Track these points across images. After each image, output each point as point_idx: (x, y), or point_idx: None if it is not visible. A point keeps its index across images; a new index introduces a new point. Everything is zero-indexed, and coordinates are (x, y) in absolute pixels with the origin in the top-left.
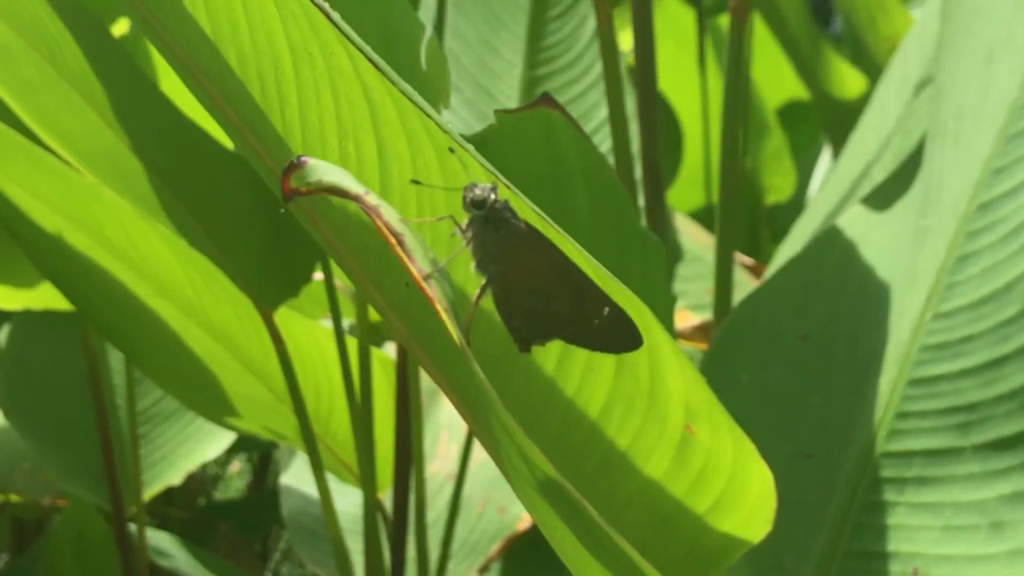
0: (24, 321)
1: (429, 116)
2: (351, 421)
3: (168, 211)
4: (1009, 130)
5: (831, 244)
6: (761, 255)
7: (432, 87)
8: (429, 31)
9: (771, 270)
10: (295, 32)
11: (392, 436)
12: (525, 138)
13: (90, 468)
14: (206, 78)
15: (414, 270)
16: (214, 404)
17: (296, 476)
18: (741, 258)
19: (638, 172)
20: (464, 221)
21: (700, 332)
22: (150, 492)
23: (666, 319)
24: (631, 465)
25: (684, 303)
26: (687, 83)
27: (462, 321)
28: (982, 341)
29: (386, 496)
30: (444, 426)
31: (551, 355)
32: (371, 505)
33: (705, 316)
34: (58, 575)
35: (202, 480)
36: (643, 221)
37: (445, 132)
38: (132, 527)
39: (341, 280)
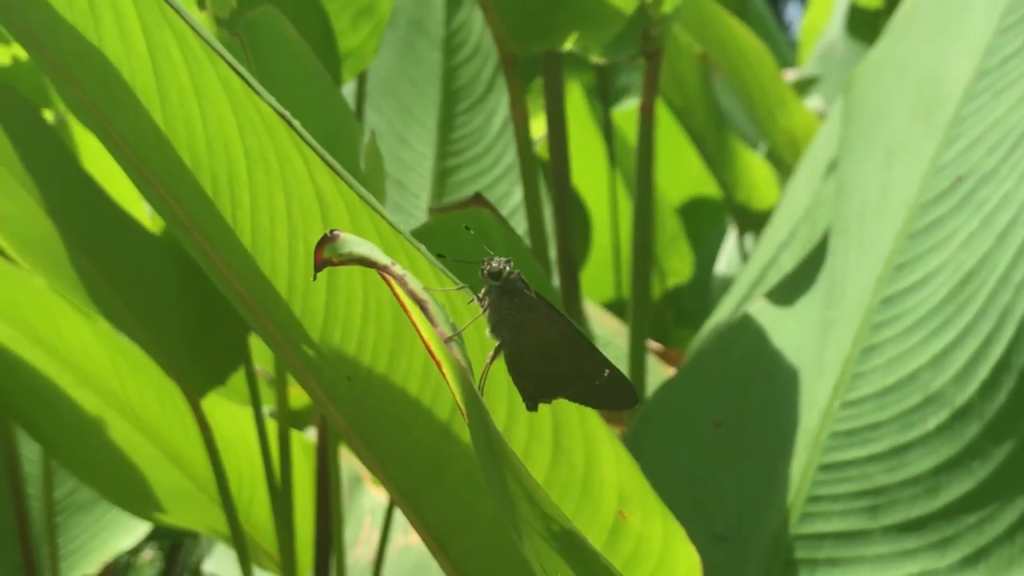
0: None
1: (380, 214)
2: (272, 507)
3: (97, 298)
4: (910, 228)
5: (740, 334)
6: (667, 338)
7: (371, 186)
8: (368, 134)
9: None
10: (251, 137)
11: (313, 522)
12: (457, 236)
13: (7, 560)
14: (156, 179)
15: (436, 333)
16: (135, 496)
17: (217, 564)
18: (651, 344)
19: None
20: (481, 291)
21: (614, 417)
22: None
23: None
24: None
25: None
26: (594, 172)
27: (475, 381)
28: (887, 428)
29: None
30: (367, 511)
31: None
32: None
33: None
34: None
35: (114, 569)
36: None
37: (395, 230)
38: None
39: (261, 365)
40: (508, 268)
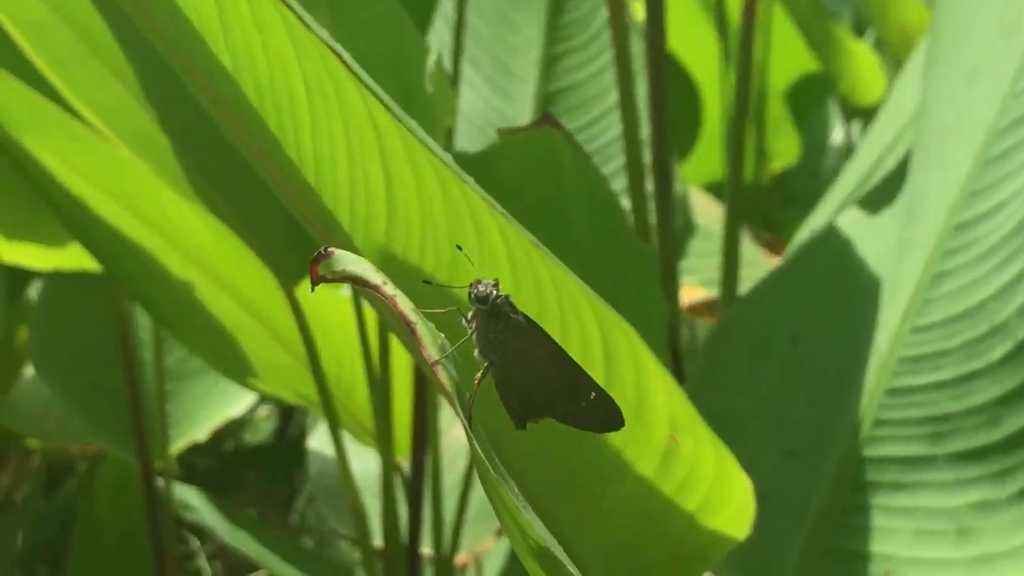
0: (55, 279)
1: (432, 151)
2: (370, 388)
3: (196, 188)
4: (986, 154)
5: (825, 247)
6: (774, 222)
7: (437, 110)
8: (435, 55)
9: (800, 231)
10: (309, 68)
11: (410, 404)
12: (527, 158)
13: (118, 423)
14: (227, 108)
15: (423, 356)
16: (240, 368)
17: (321, 438)
18: (758, 234)
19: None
20: (469, 313)
21: (708, 308)
22: (176, 447)
23: (658, 331)
24: (619, 471)
25: (696, 279)
26: (704, 51)
27: (466, 399)
28: (954, 356)
29: (406, 461)
30: None
31: None
32: (389, 468)
33: (715, 291)
34: (97, 525)
35: (230, 424)
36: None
37: (447, 167)
38: (159, 482)
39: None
40: (495, 292)
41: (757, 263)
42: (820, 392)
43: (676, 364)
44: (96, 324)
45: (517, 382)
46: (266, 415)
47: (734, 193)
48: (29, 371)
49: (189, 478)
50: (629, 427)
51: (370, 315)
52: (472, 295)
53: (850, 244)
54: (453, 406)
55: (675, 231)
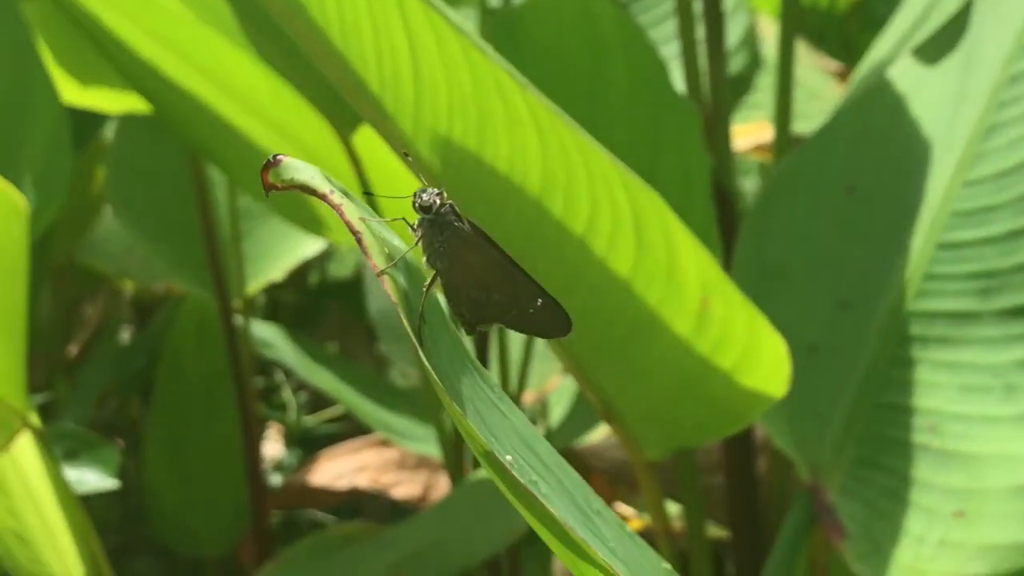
0: (129, 122)
1: (451, 21)
2: None
3: (255, 46)
4: None
5: (881, 97)
6: (853, 48)
7: None
8: None
9: (857, 73)
10: None
11: None
12: (561, 11)
13: (195, 262)
14: None
15: (371, 266)
16: (307, 217)
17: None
18: (827, 63)
19: None
20: (415, 221)
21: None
22: (253, 286)
23: (700, 184)
24: (656, 330)
25: (764, 114)
26: None
27: (415, 308)
28: (1004, 211)
29: None
30: None
31: (575, 233)
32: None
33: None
34: (180, 361)
35: (314, 257)
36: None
37: (467, 36)
38: (238, 319)
39: None
40: (439, 200)
41: (824, 95)
42: (873, 244)
43: (728, 212)
44: (169, 164)
45: (465, 290)
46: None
47: (789, 17)
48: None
49: (273, 314)
50: (662, 288)
51: None
52: (416, 204)
53: (907, 93)
54: (401, 315)
55: (726, 73)
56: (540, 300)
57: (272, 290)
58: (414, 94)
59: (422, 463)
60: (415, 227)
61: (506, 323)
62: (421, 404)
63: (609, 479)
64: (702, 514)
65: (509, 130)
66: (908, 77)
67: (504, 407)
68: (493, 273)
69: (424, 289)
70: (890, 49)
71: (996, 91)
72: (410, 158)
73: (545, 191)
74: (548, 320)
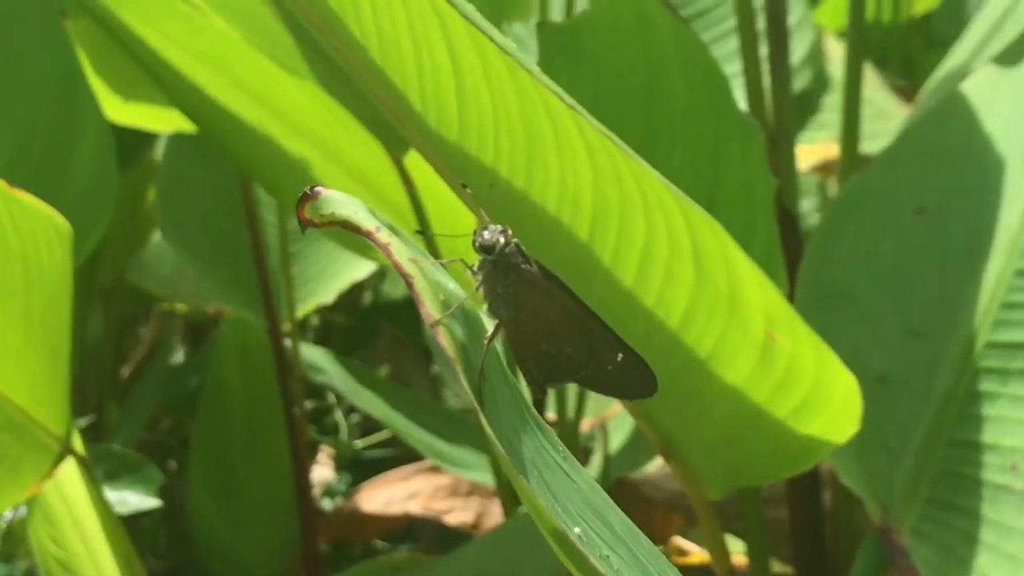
0: (178, 141)
1: (495, 40)
2: None
3: (311, 67)
4: None
5: (953, 112)
6: (915, 69)
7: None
8: None
9: (925, 90)
10: None
11: None
12: (618, 24)
13: (245, 284)
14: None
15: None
16: (359, 238)
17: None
18: (892, 82)
19: None
20: (475, 263)
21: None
22: (303, 309)
23: (763, 204)
24: (716, 365)
25: (830, 134)
26: None
27: (475, 367)
28: None
29: None
30: None
31: (631, 263)
32: None
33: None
34: (223, 384)
35: (368, 276)
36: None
37: (511, 56)
38: (288, 343)
39: None
40: (503, 239)
41: (890, 115)
42: (945, 269)
43: (792, 233)
44: (219, 184)
45: (533, 341)
46: None
47: (856, 37)
48: None
49: (325, 336)
50: (723, 321)
51: None
52: (476, 243)
53: (980, 107)
54: (458, 373)
55: (790, 91)
56: (620, 355)
57: (324, 312)
58: (458, 111)
59: (475, 489)
60: (475, 269)
61: (580, 381)
62: (473, 430)
63: (667, 511)
64: (766, 550)
65: (559, 153)
66: (982, 91)
67: (569, 468)
68: (565, 323)
69: (485, 342)
70: (961, 64)
71: None
72: (468, 190)
73: (598, 217)
74: (630, 378)
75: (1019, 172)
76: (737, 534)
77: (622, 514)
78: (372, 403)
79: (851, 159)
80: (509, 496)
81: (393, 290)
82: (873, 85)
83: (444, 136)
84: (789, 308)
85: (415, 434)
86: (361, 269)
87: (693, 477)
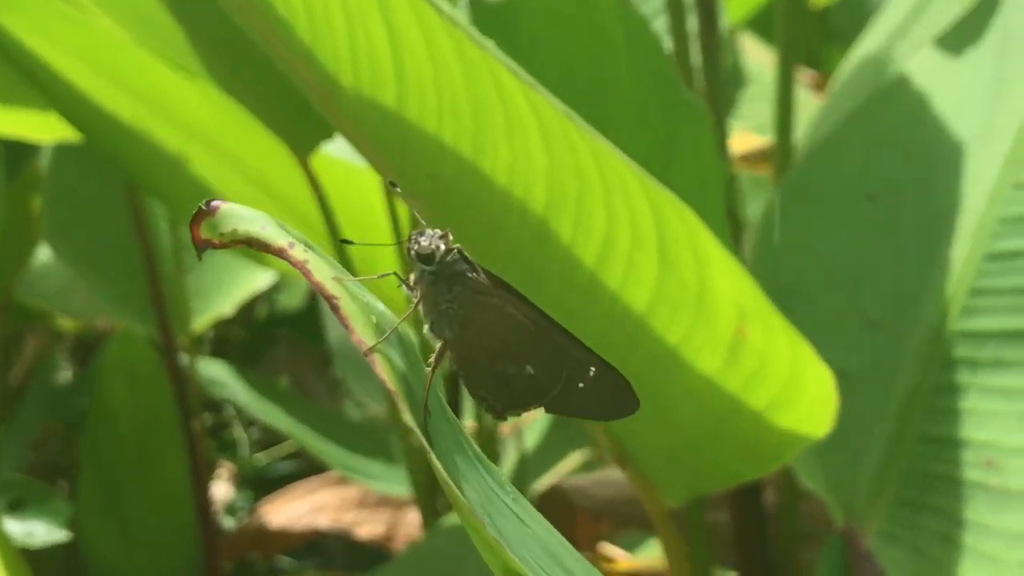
0: (63, 149)
1: (440, 10)
2: (400, 259)
3: (205, 65)
4: None
5: (897, 95)
6: (816, 59)
7: None
8: None
9: (834, 81)
10: None
11: None
12: (559, 2)
13: (138, 298)
14: None
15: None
16: None
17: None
18: (802, 74)
19: None
20: (412, 276)
21: (762, 156)
22: (201, 322)
23: (716, 196)
24: (681, 364)
25: (746, 125)
26: None
27: (418, 400)
28: None
29: None
30: None
31: (589, 254)
32: (424, 340)
33: (768, 138)
34: (110, 402)
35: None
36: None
37: (461, 28)
38: (184, 358)
39: None
40: (443, 245)
41: (804, 104)
42: (902, 256)
43: (735, 231)
44: (108, 194)
45: (485, 364)
46: (301, 279)
47: (787, 25)
48: None
49: (220, 349)
50: (690, 316)
51: None
52: (412, 252)
53: (927, 89)
54: (401, 409)
55: (723, 74)
56: (593, 369)
57: (218, 325)
58: (397, 95)
59: (384, 501)
60: (412, 283)
61: (548, 406)
62: (381, 439)
63: (594, 516)
64: (709, 556)
65: (509, 136)
66: (928, 71)
67: (520, 510)
68: (524, 338)
69: (430, 368)
70: (878, 50)
71: None
72: (398, 188)
73: (552, 206)
74: (606, 397)
75: (980, 153)
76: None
77: (578, 555)
78: (276, 416)
79: (786, 150)
80: (429, 510)
81: (289, 300)
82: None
83: (381, 123)
84: (763, 298)
85: (321, 446)
86: (261, 279)
87: (651, 484)
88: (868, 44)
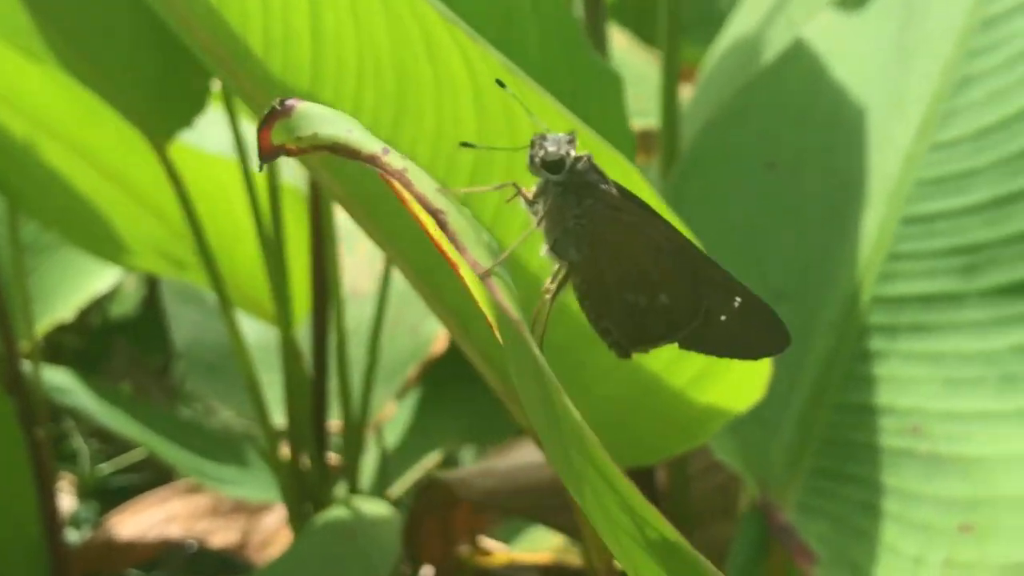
0: None
1: None
2: (264, 254)
3: (51, 47)
4: None
5: (796, 60)
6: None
7: None
8: None
9: (706, 66)
10: None
11: (306, 271)
12: None
13: None
14: None
15: (465, 263)
16: (105, 243)
17: (180, 303)
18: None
19: None
20: (532, 188)
21: (644, 140)
22: (42, 327)
23: (628, 159)
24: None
25: None
26: None
27: (535, 330)
28: (988, 175)
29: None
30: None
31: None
32: (288, 340)
33: (648, 122)
34: None
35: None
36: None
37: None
38: (27, 365)
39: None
40: (571, 151)
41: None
42: (807, 225)
43: None
44: None
45: (613, 291)
46: (134, 286)
47: (672, 8)
48: None
49: (55, 358)
50: None
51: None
52: (536, 160)
53: (827, 54)
54: (523, 339)
55: (605, 29)
56: (738, 300)
57: (54, 333)
58: (312, 57)
59: (237, 508)
60: (534, 196)
61: (682, 342)
62: (233, 444)
63: (474, 508)
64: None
65: (438, 100)
66: (825, 39)
67: None
68: (660, 261)
69: (547, 296)
70: (752, 31)
71: (964, 39)
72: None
73: (479, 177)
74: (750, 331)
75: (890, 117)
76: (561, 528)
77: None
78: (126, 424)
79: (672, 134)
80: (296, 514)
81: (120, 308)
82: (645, 61)
83: (291, 86)
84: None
85: (173, 453)
86: (102, 281)
87: None
88: (738, 28)
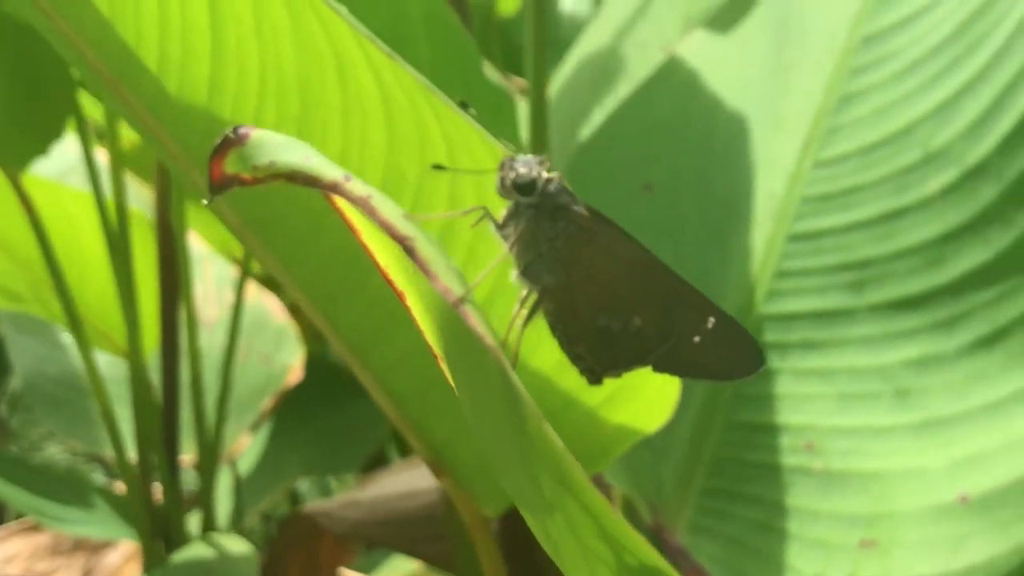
0: None
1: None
2: (116, 282)
3: None
4: None
5: (666, 82)
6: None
7: None
8: None
9: (554, 85)
10: None
11: (155, 301)
12: None
13: None
14: None
15: (418, 292)
16: None
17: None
18: (515, 81)
19: None
20: (503, 212)
21: None
22: None
23: None
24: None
25: None
26: None
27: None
28: (875, 191)
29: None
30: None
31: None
32: (139, 372)
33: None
34: None
35: None
36: None
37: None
38: None
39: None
40: (543, 172)
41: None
42: (683, 246)
43: None
44: None
45: (586, 315)
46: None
47: (537, 27)
48: None
49: None
50: (509, 304)
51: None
52: (506, 182)
53: (699, 73)
54: (504, 370)
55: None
56: (711, 320)
57: None
58: (210, 74)
59: (79, 546)
60: (504, 220)
61: (656, 364)
62: (75, 480)
63: (337, 541)
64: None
65: (344, 119)
66: (697, 59)
67: None
68: (633, 283)
69: (518, 322)
70: (603, 48)
71: (845, 57)
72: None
73: (388, 188)
74: (724, 352)
75: (770, 135)
76: (428, 558)
77: None
78: None
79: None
80: (151, 553)
81: None
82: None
83: (187, 105)
84: None
85: (10, 492)
86: None
87: (468, 493)
88: (586, 46)
